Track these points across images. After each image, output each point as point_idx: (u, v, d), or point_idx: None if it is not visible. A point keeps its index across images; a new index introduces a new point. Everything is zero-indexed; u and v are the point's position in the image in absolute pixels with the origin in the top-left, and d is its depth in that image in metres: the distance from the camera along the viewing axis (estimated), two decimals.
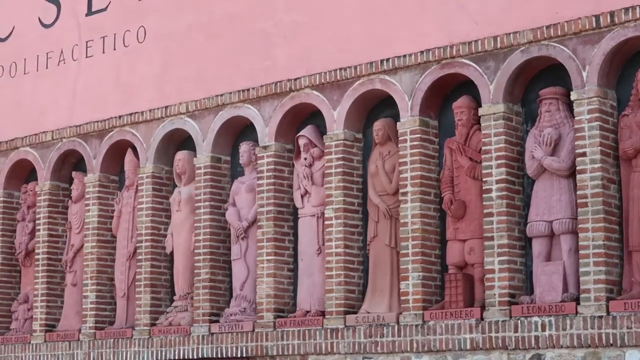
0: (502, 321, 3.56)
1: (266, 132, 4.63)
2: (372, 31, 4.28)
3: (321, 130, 4.53)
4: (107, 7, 5.62)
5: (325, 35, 4.45)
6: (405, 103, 4.11)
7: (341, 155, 4.30)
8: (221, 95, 4.85)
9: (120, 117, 5.37)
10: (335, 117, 4.36)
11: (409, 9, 4.16)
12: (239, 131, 5.01)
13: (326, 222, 4.29)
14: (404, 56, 4.11)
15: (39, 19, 6.05)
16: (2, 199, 6.02)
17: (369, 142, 4.45)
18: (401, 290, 3.97)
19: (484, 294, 3.71)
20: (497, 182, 3.71)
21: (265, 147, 4.63)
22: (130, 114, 5.31)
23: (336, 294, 4.17)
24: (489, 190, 3.73)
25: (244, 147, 4.81)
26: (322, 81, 4.40)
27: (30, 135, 5.89)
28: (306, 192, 4.46)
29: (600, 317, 3.28)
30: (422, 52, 4.05)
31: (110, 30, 5.58)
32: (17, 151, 5.99)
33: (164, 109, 5.13)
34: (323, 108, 4.44)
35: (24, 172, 6.08)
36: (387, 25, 4.24)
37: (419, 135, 4.04)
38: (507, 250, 3.65)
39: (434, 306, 3.88)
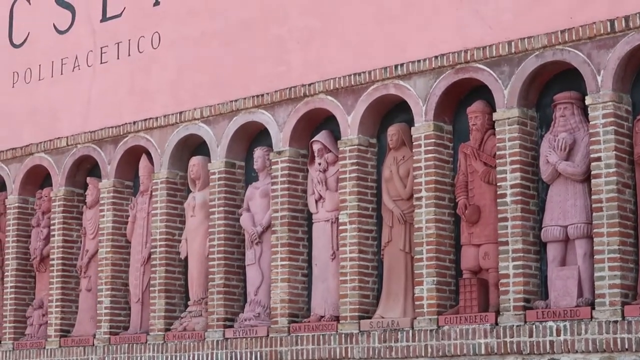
0: (517, 326, 3.76)
1: (280, 137, 4.91)
2: (386, 36, 4.53)
3: (335, 135, 4.79)
4: (121, 13, 5.97)
5: (340, 40, 4.72)
6: (420, 108, 4.35)
7: (355, 160, 4.55)
8: (235, 100, 5.15)
9: (134, 122, 5.70)
10: (350, 122, 4.62)
11: (423, 13, 4.40)
12: (253, 136, 5.30)
13: (340, 227, 4.53)
14: (418, 61, 4.35)
15: (54, 25, 6.43)
16: (17, 204, 6.39)
17: (383, 147, 4.69)
18: (415, 295, 4.19)
19: (499, 298, 3.92)
20: (512, 186, 3.92)
21: (279, 153, 4.90)
22: (145, 120, 5.63)
23: (350, 299, 4.40)
24: (504, 195, 3.94)
25: (258, 153, 5.09)
26: (337, 86, 4.66)
27: (45, 141, 6.25)
28: (320, 197, 4.71)
29: (616, 322, 3.46)
30: (436, 57, 4.29)
31: (125, 37, 5.93)
32: (32, 157, 6.35)
33: (178, 114, 5.45)
34: (337, 113, 4.70)
35: (38, 178, 6.45)
36: (401, 30, 4.49)
37: (433, 140, 4.28)
38: (521, 255, 3.85)
39: (449, 311, 4.10)
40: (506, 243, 3.89)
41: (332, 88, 4.68)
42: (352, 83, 4.59)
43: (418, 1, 4.42)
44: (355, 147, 4.57)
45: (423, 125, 4.32)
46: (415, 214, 4.25)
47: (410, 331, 4.11)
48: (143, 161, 5.69)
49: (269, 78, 4.99)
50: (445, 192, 4.27)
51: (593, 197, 3.69)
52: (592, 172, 3.70)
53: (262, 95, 5.00)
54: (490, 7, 4.15)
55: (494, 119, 4.10)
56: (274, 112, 4.97)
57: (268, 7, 5.11)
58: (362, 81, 4.55)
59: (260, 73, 5.07)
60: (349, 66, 4.62)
